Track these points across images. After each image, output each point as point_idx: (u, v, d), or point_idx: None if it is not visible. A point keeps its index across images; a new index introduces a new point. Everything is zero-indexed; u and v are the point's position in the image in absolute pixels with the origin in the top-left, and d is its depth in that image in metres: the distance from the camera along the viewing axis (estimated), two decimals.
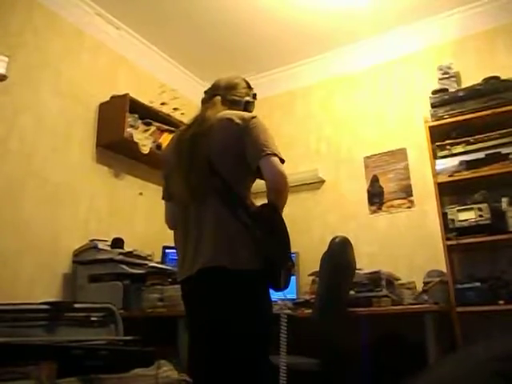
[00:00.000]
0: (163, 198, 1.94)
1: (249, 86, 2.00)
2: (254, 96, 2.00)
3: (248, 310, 1.63)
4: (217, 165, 1.70)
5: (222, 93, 1.91)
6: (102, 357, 1.84)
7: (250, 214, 1.65)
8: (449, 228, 2.91)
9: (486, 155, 2.95)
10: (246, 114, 1.80)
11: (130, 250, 2.93)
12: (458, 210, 2.89)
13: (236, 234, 1.64)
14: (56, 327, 2.09)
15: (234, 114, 1.78)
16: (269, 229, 1.63)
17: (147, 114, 3.45)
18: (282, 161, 1.70)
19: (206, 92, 1.99)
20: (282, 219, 1.65)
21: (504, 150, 2.91)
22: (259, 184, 1.77)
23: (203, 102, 1.96)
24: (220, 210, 1.67)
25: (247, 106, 1.93)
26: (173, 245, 1.85)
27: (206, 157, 1.72)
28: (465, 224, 2.85)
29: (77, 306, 2.31)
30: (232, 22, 3.53)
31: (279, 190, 1.67)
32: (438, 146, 3.11)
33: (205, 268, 1.63)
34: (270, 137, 1.73)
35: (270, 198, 1.67)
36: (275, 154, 1.68)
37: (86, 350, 1.83)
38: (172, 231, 1.87)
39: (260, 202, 1.73)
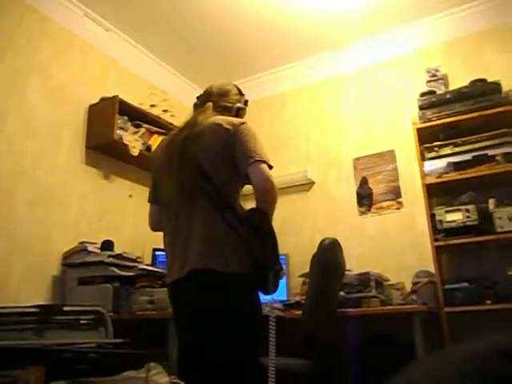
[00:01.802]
0: (149, 201, 1.95)
1: (240, 93, 2.02)
2: (246, 102, 2.02)
3: (237, 311, 1.64)
4: (207, 168, 1.72)
5: (214, 99, 1.93)
6: (91, 360, 1.82)
7: (238, 217, 1.67)
8: (437, 229, 2.94)
9: (474, 157, 2.98)
10: (236, 120, 1.82)
11: (119, 252, 2.92)
12: (446, 211, 2.92)
13: (225, 237, 1.65)
14: (45, 330, 2.07)
15: (224, 120, 1.80)
16: (257, 232, 1.64)
17: (137, 116, 3.44)
18: (271, 167, 1.72)
19: (198, 98, 2.01)
20: (271, 223, 1.67)
21: (491, 152, 2.95)
22: (249, 186, 1.78)
23: (195, 107, 1.98)
24: (209, 212, 1.68)
25: (238, 112, 1.95)
26: (163, 247, 1.86)
27: (196, 160, 1.73)
28: (452, 225, 2.88)
29: (66, 308, 2.29)
30: (221, 24, 3.54)
31: (266, 195, 1.69)
32: (426, 147, 3.14)
33: (194, 270, 1.63)
34: (259, 143, 1.75)
35: (258, 203, 1.68)
36: (263, 161, 1.70)
37: (75, 353, 1.82)
38: (161, 234, 1.88)
39: (250, 204, 1.74)
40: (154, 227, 1.97)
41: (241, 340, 1.63)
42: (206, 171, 1.71)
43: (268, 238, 1.65)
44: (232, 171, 1.74)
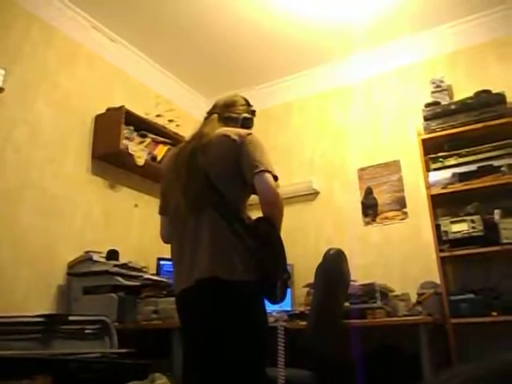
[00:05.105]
0: (160, 213, 1.96)
1: (248, 104, 2.03)
2: (253, 113, 2.03)
3: (244, 321, 1.64)
4: (214, 179, 1.73)
5: (219, 111, 1.96)
6: (96, 370, 1.83)
7: (245, 226, 1.67)
8: (442, 240, 2.93)
9: (479, 167, 2.98)
10: (242, 131, 1.83)
11: (124, 261, 2.92)
12: (451, 222, 2.92)
13: (232, 246, 1.66)
14: (50, 340, 2.08)
15: (231, 131, 1.82)
16: (264, 241, 1.65)
17: (143, 126, 3.46)
18: (276, 177, 1.73)
19: (207, 112, 2.03)
20: (278, 231, 1.68)
21: (496, 163, 2.95)
22: (254, 196, 1.80)
23: (204, 120, 2.00)
24: (216, 222, 1.69)
25: (245, 123, 1.96)
26: (168, 256, 1.86)
27: (203, 171, 1.74)
28: (458, 236, 2.87)
29: (71, 318, 2.30)
30: (227, 35, 3.57)
31: (271, 205, 1.70)
32: (430, 158, 3.15)
33: (202, 279, 1.64)
34: (265, 153, 1.76)
35: (264, 213, 1.70)
36: (268, 171, 1.71)
37: (80, 362, 1.83)
38: (168, 244, 1.88)
39: (254, 214, 1.75)
40: (166, 239, 1.94)
41: (247, 349, 1.62)
42: (213, 182, 1.73)
43: (276, 246, 1.66)
44: (239, 181, 1.75)
